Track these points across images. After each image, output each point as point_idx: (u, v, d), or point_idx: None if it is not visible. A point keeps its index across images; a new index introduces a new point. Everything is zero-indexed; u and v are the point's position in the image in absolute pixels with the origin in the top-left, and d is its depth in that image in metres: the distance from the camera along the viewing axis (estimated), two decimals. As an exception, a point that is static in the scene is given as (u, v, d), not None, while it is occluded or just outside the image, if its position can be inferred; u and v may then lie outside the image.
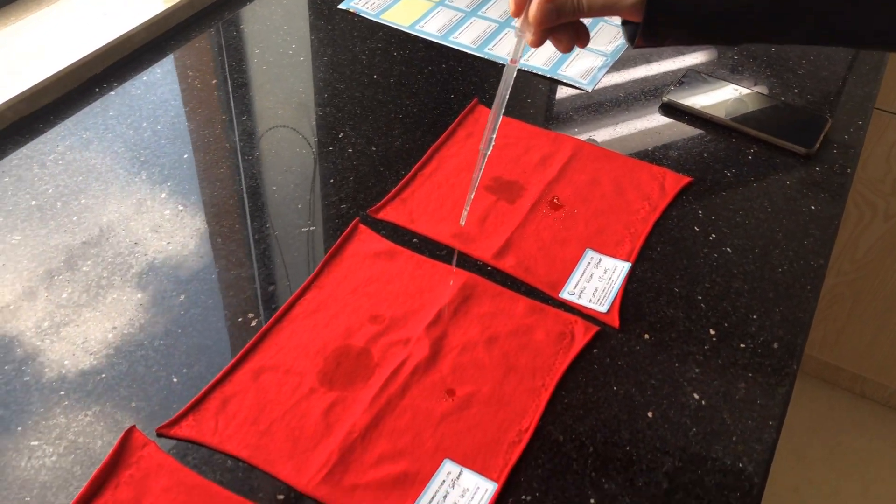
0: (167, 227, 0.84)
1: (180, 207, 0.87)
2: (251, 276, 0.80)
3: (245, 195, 0.89)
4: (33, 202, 0.86)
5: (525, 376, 0.73)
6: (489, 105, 1.03)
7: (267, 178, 0.91)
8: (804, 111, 1.03)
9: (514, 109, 1.03)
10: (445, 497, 0.64)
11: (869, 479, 1.79)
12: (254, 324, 0.76)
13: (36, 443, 0.66)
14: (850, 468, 1.81)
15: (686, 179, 0.93)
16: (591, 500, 0.65)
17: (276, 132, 0.97)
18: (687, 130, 1.01)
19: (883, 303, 1.72)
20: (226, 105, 1.01)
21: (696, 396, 0.72)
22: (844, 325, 1.81)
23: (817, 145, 0.98)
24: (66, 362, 0.72)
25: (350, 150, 0.95)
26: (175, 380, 0.71)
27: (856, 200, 1.62)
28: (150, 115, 0.98)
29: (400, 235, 0.85)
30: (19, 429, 0.67)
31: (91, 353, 0.72)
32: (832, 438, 1.86)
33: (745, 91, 1.04)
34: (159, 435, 0.67)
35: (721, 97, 1.03)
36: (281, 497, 0.64)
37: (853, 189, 1.59)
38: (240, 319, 0.77)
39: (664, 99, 1.04)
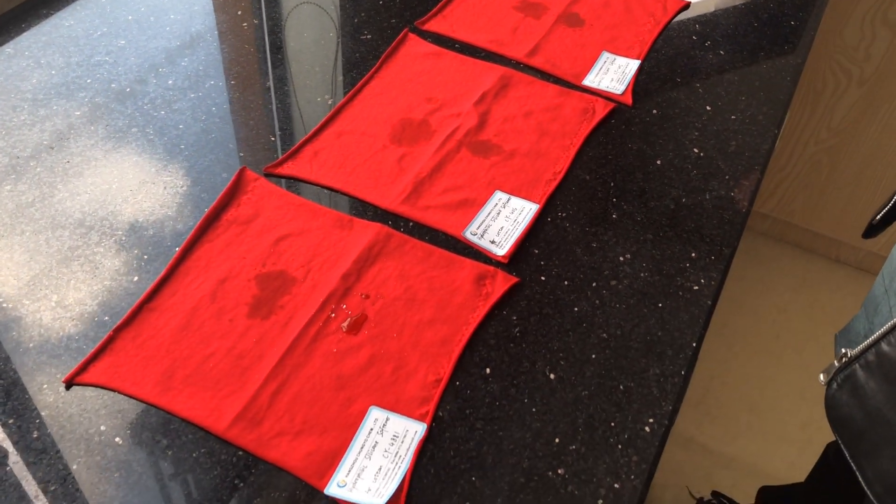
0: (250, 36, 0.99)
1: (255, 21, 1.02)
2: (325, 68, 0.96)
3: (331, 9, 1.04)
4: (130, 17, 1.01)
5: (556, 137, 0.89)
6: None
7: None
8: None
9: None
10: (499, 214, 0.81)
11: (842, 329, 1.99)
12: (330, 102, 0.92)
13: (169, 177, 0.82)
14: (826, 321, 2.00)
15: (683, 1, 1.09)
16: (613, 215, 0.81)
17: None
18: (685, -33, 1.16)
19: (857, 166, 1.89)
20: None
21: (696, 150, 0.89)
22: (822, 192, 1.98)
23: (797, -24, 1.13)
24: (180, 126, 0.87)
25: (395, -19, 1.10)
26: (272, 139, 0.87)
27: (832, 69, 1.77)
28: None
29: (443, 42, 1.01)
30: (153, 169, 0.82)
31: (199, 121, 0.88)
32: (810, 297, 2.05)
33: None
34: (266, 174, 0.83)
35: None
36: (370, 213, 0.80)
37: (830, 58, 1.75)
38: (318, 99, 0.92)
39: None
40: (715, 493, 1.47)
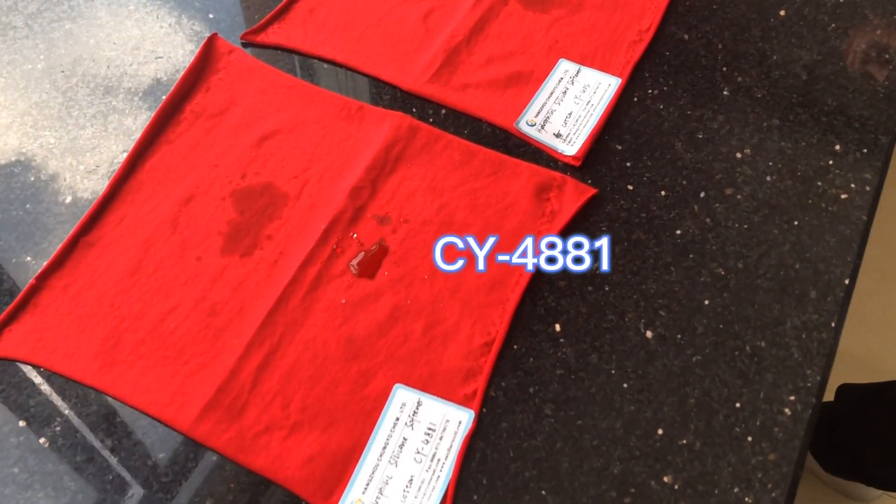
0: None
1: None
2: None
3: None
4: None
5: (640, -20, 0.65)
6: None
7: None
8: None
9: None
10: (565, 93, 0.58)
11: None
12: (330, -62, 0.68)
13: (113, 52, 0.60)
14: None
15: None
16: (725, 91, 0.59)
17: None
18: None
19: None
20: None
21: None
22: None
23: None
24: (128, -21, 0.64)
25: None
26: (252, -8, 0.64)
27: None
28: None
29: None
30: (92, 41, 0.61)
31: (154, -30, 0.65)
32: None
33: None
34: (244, 43, 0.61)
35: None
36: (387, 97, 0.58)
37: None
38: (313, -65, 0.68)
39: None
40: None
